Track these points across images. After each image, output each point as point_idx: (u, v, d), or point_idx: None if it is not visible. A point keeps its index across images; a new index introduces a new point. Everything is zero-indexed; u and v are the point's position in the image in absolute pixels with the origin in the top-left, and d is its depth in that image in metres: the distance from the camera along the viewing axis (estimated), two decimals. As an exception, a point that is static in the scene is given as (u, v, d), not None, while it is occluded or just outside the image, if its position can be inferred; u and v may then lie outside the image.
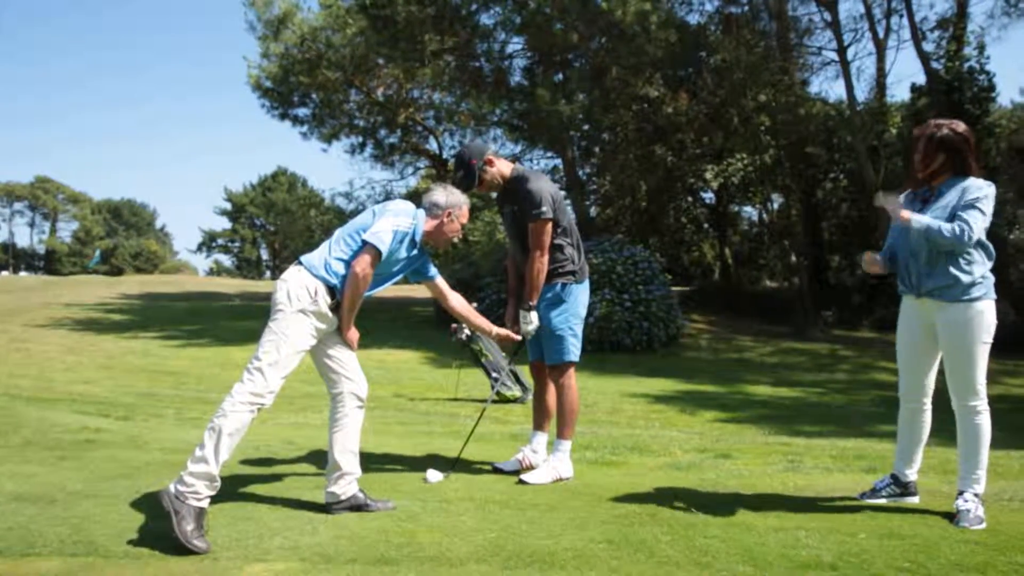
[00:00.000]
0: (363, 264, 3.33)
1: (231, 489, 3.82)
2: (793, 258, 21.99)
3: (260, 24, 18.88)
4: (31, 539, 3.03)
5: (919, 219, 3.29)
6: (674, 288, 16.49)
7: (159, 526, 3.22)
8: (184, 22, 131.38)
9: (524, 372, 8.37)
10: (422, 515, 3.40)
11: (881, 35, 18.68)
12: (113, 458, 4.60)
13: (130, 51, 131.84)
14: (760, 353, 14.33)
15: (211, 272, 70.32)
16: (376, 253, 3.35)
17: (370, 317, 17.61)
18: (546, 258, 4.04)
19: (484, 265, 15.02)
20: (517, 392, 8.09)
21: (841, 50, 17.63)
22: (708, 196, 26.19)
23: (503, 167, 4.14)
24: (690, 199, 25.73)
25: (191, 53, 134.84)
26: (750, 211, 29.30)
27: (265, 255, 71.31)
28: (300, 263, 3.42)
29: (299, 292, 3.32)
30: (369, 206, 20.60)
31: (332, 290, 3.37)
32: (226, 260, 72.25)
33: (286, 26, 18.73)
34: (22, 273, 67.41)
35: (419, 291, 26.53)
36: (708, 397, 9.01)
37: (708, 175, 22.53)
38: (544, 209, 3.96)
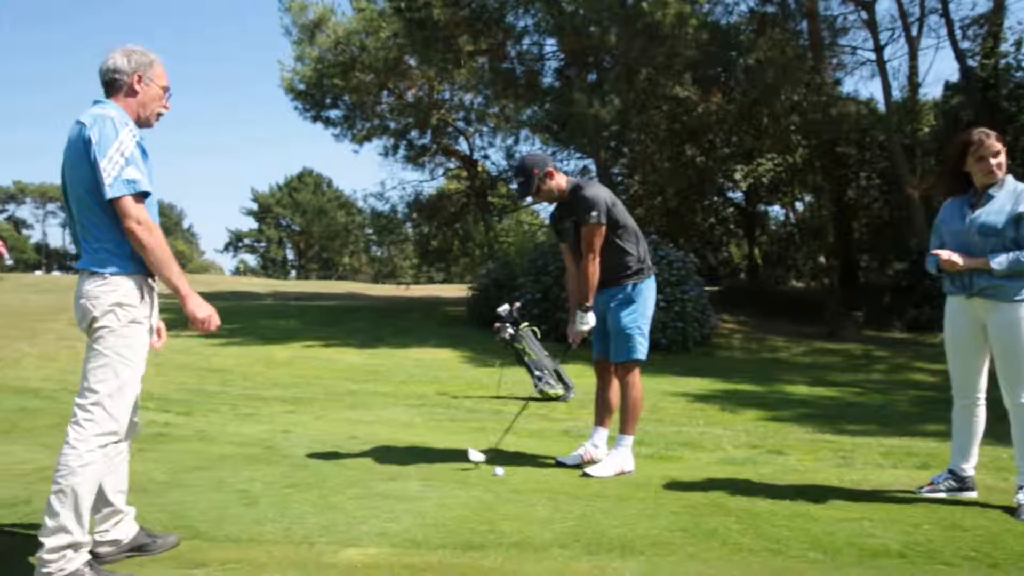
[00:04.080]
0: (134, 216, 2.57)
1: (309, 480, 4.01)
2: (822, 258, 21.92)
3: (295, 29, 19.23)
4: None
5: (999, 261, 3.40)
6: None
7: (251, 513, 3.41)
8: (210, 26, 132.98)
9: (566, 371, 8.51)
10: (497, 505, 3.56)
11: (915, 33, 18.58)
12: (188, 451, 4.82)
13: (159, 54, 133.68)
14: (793, 353, 14.34)
15: (237, 272, 71.13)
16: (137, 195, 2.60)
17: (403, 316, 17.83)
18: (598, 260, 4.18)
19: (519, 265, 15.15)
20: (560, 390, 8.22)
21: (877, 49, 17.56)
22: (737, 196, 26.16)
23: (561, 180, 4.29)
24: (719, 199, 25.71)
25: (216, 55, 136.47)
26: (778, 211, 29.22)
27: (291, 255, 72.10)
28: (89, 269, 2.68)
29: (116, 299, 2.67)
30: (400, 208, 20.79)
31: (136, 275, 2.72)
32: (252, 260, 73.12)
33: (320, 30, 19.04)
34: (55, 272, 68.68)
35: (450, 291, 26.52)
36: (747, 396, 9.07)
37: (737, 175, 22.52)
38: (595, 214, 4.11)
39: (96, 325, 2.66)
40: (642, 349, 4.23)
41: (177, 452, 4.76)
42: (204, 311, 2.73)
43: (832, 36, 19.60)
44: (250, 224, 70.87)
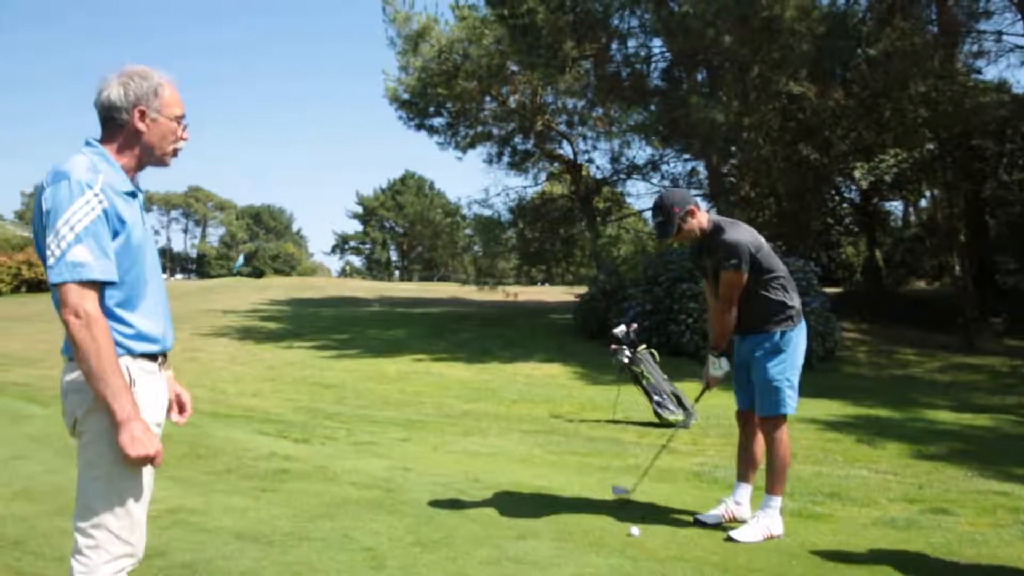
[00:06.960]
0: (71, 307, 1.95)
1: (435, 536, 3.83)
2: (954, 261, 20.29)
3: (400, 40, 19.44)
4: (266, 590, 3.13)
5: None
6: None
7: (381, 582, 3.25)
8: (312, 30, 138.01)
9: (686, 394, 8.10)
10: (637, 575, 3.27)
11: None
12: (310, 492, 4.76)
13: (262, 66, 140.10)
14: (927, 369, 13.26)
15: (343, 273, 73.38)
16: (85, 283, 1.96)
17: (509, 325, 17.73)
18: (734, 310, 3.90)
19: (629, 275, 14.73)
20: (680, 416, 7.82)
21: (1028, 32, 16.01)
22: (853, 194, 24.69)
23: (703, 219, 3.98)
24: (836, 198, 24.35)
25: (319, 59, 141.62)
26: (898, 208, 27.46)
27: (394, 256, 73.92)
28: (68, 355, 2.09)
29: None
30: (504, 214, 20.65)
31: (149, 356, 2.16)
32: (357, 261, 75.32)
33: (424, 40, 19.16)
34: (177, 276, 73.15)
35: (552, 294, 26.21)
36: (884, 424, 8.36)
37: (856, 173, 21.20)
38: (735, 261, 3.81)
39: (80, 428, 2.08)
40: (791, 403, 3.85)
41: (299, 494, 4.71)
42: (139, 448, 1.98)
43: (971, 21, 18.04)
44: (355, 227, 73.08)
